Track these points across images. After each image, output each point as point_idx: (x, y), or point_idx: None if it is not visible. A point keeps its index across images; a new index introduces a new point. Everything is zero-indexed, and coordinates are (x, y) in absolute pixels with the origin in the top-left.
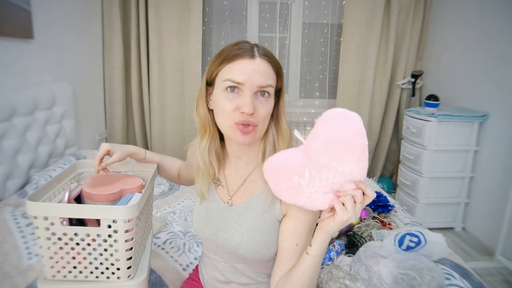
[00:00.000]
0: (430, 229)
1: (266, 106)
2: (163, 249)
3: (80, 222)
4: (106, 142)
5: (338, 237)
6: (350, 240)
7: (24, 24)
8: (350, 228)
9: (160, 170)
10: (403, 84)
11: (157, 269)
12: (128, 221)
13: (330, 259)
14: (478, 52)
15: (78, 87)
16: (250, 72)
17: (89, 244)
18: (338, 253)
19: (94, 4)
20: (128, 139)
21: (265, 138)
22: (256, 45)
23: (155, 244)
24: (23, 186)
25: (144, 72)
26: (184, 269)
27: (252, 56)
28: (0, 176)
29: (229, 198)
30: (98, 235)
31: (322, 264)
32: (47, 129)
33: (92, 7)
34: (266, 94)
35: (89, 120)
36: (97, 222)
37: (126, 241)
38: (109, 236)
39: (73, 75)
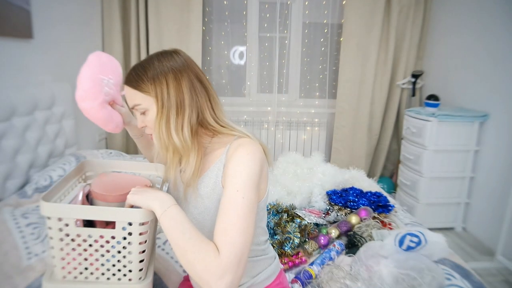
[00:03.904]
0: (431, 229)
1: (145, 120)
2: (163, 249)
3: (89, 223)
4: (106, 142)
5: (339, 237)
6: (350, 240)
7: (24, 23)
8: (350, 228)
9: (144, 148)
10: (403, 84)
11: (157, 270)
12: (143, 224)
13: (331, 258)
14: (478, 52)
15: None
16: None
17: (102, 246)
18: (338, 253)
19: (94, 4)
20: (128, 139)
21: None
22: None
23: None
24: (22, 186)
25: None
26: (184, 270)
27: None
28: None
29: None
30: (112, 237)
31: (323, 263)
32: (46, 129)
33: (92, 7)
34: (142, 110)
35: (89, 120)
36: (106, 223)
37: (140, 243)
38: (124, 238)
39: (73, 75)
